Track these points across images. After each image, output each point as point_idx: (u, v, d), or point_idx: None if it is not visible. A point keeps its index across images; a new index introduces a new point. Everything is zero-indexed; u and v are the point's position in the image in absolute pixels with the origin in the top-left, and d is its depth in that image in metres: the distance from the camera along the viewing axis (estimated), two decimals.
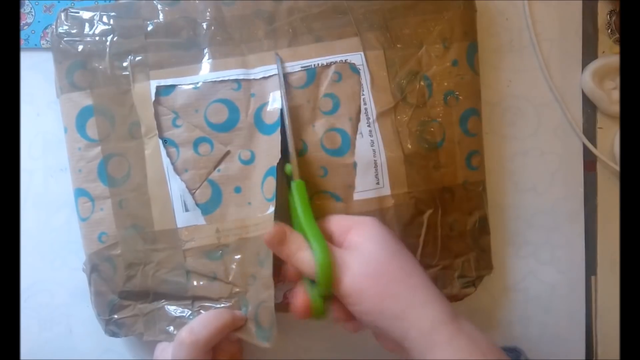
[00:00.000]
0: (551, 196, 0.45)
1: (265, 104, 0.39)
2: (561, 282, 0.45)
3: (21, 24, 0.43)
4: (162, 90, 0.39)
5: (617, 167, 0.44)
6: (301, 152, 0.39)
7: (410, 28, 0.40)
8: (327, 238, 0.34)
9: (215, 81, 0.39)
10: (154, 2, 0.40)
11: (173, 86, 0.39)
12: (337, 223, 0.36)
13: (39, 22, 0.43)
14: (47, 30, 0.43)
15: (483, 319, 0.45)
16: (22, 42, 0.43)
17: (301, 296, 0.34)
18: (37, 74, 0.44)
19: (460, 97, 0.41)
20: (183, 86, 0.39)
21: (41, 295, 0.44)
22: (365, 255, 0.33)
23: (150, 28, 0.40)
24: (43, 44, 0.43)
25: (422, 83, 0.40)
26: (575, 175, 0.45)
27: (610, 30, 0.45)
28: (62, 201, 0.43)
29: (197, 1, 0.40)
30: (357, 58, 0.40)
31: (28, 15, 0.43)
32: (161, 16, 0.40)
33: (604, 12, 0.45)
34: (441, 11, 0.41)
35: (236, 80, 0.39)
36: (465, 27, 0.41)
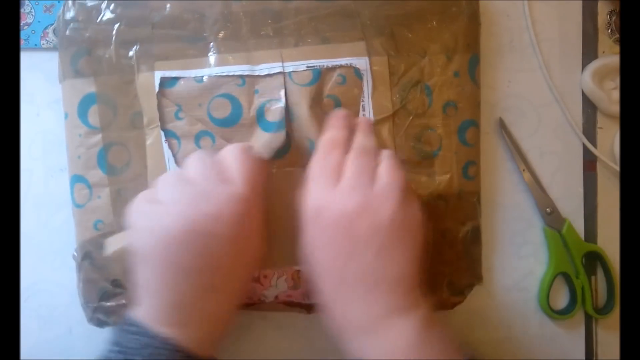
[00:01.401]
0: (551, 196, 0.45)
1: (268, 101, 0.39)
2: (561, 282, 0.45)
3: (21, 24, 0.43)
4: (166, 82, 0.39)
5: (617, 167, 0.44)
6: (311, 147, 0.39)
7: (416, 37, 0.41)
8: None
9: (219, 76, 0.39)
10: None
11: (177, 78, 0.39)
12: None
13: (39, 22, 0.43)
14: (47, 30, 0.43)
15: (483, 319, 0.45)
16: (22, 42, 0.43)
17: None
18: (37, 74, 0.44)
19: (460, 108, 0.41)
20: (187, 79, 0.39)
21: (41, 295, 0.44)
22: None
23: (157, 19, 0.40)
24: (43, 44, 0.43)
25: (423, 92, 0.40)
26: (575, 175, 0.45)
27: (610, 30, 0.45)
28: (62, 201, 0.43)
29: None
30: (361, 63, 0.40)
31: (28, 15, 0.43)
32: (169, 8, 0.40)
33: (604, 12, 0.45)
34: (446, 22, 0.41)
35: (241, 76, 0.39)
36: (469, 40, 0.41)
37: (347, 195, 0.31)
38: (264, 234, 0.35)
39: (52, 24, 0.43)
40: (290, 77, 0.39)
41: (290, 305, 0.42)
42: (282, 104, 0.39)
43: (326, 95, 0.39)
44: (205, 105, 0.39)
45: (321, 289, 0.31)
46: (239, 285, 0.34)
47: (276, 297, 0.41)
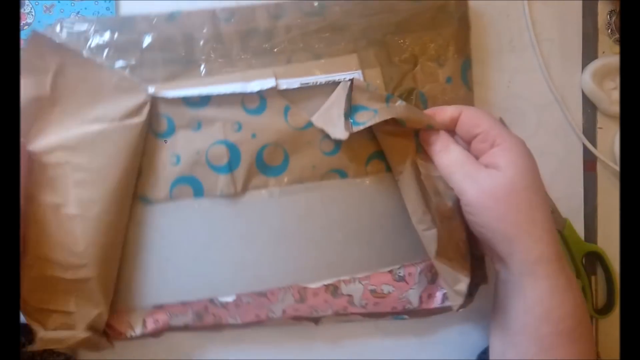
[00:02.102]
0: (551, 196, 0.44)
1: (266, 145, 0.39)
2: None
3: (21, 24, 0.43)
4: (164, 132, 0.39)
5: (617, 167, 0.44)
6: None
7: (407, 45, 0.41)
8: (466, 129, 0.36)
9: (215, 120, 0.39)
10: (151, 16, 0.40)
11: (173, 129, 0.39)
12: (487, 130, 0.35)
13: (39, 22, 0.43)
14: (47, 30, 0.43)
15: (484, 318, 0.45)
16: (23, 43, 0.43)
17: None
18: None
19: None
20: (184, 129, 0.39)
21: None
22: (500, 179, 0.34)
23: (146, 43, 0.39)
24: None
25: (417, 100, 0.40)
26: (575, 175, 0.45)
27: (610, 30, 0.45)
28: None
29: (194, 17, 0.40)
30: (355, 76, 0.40)
31: (28, 15, 0.43)
32: (157, 31, 0.40)
33: (604, 12, 0.45)
34: (436, 28, 0.41)
35: (237, 122, 0.39)
36: (460, 44, 0.41)
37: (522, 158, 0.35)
38: None
39: (52, 24, 0.43)
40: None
41: (298, 319, 0.42)
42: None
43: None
44: (203, 153, 0.39)
45: (503, 233, 0.34)
46: None
47: (283, 311, 0.41)
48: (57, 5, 0.44)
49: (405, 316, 0.43)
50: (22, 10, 0.43)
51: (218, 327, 0.42)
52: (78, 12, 0.43)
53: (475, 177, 0.34)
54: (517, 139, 0.35)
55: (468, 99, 0.42)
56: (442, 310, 0.42)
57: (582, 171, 0.45)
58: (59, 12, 0.42)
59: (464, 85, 0.41)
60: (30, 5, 0.43)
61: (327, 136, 0.39)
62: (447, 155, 0.36)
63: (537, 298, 0.33)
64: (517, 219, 0.33)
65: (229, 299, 0.40)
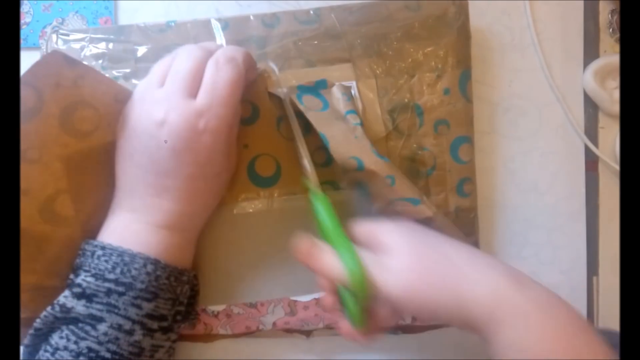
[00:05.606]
0: (553, 196, 0.44)
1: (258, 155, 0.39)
2: (563, 282, 0.45)
3: (20, 23, 0.43)
4: None
5: (619, 167, 0.44)
6: (360, 166, 0.36)
7: (404, 56, 0.40)
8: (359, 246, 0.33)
9: None
10: (145, 27, 0.40)
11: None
12: (361, 231, 0.34)
13: (37, 21, 0.43)
14: (45, 30, 0.43)
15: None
16: (21, 42, 0.43)
17: (340, 318, 0.34)
18: None
19: (452, 125, 0.40)
20: None
21: None
22: (401, 251, 0.31)
23: (140, 53, 0.39)
24: (41, 43, 0.43)
25: (413, 112, 0.40)
26: (576, 175, 0.45)
27: (612, 30, 0.45)
28: None
29: (188, 26, 0.40)
30: (350, 86, 0.39)
31: (27, 14, 0.43)
32: (152, 41, 0.39)
33: (606, 11, 0.45)
34: (435, 39, 0.40)
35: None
36: (459, 55, 0.40)
37: None
38: (234, 149, 0.37)
39: (51, 23, 0.43)
40: (301, 102, 0.37)
41: (289, 331, 0.42)
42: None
43: (347, 112, 0.38)
44: None
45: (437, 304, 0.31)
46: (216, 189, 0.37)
47: (274, 323, 0.41)
48: (55, 5, 0.44)
49: (399, 331, 0.43)
50: (20, 10, 0.43)
51: (209, 337, 0.41)
52: (76, 12, 0.43)
53: (381, 267, 0.31)
54: (389, 221, 0.33)
55: (467, 110, 0.41)
56: (436, 325, 0.42)
57: (583, 171, 0.45)
58: (57, 11, 0.42)
59: (462, 97, 0.40)
60: (29, 5, 0.43)
61: (320, 148, 0.38)
62: (337, 260, 0.33)
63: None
64: (445, 273, 0.30)
65: (220, 307, 0.40)
